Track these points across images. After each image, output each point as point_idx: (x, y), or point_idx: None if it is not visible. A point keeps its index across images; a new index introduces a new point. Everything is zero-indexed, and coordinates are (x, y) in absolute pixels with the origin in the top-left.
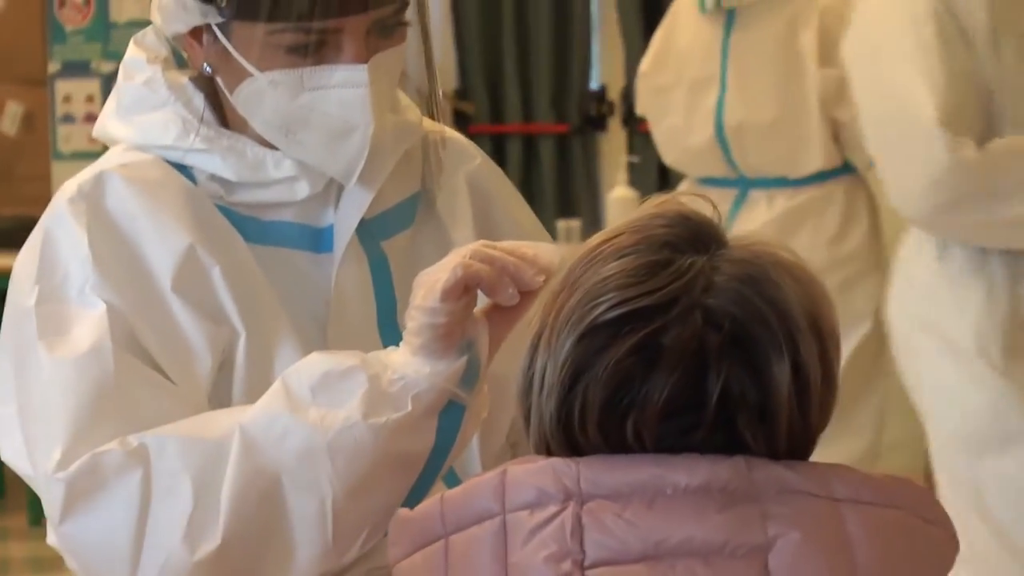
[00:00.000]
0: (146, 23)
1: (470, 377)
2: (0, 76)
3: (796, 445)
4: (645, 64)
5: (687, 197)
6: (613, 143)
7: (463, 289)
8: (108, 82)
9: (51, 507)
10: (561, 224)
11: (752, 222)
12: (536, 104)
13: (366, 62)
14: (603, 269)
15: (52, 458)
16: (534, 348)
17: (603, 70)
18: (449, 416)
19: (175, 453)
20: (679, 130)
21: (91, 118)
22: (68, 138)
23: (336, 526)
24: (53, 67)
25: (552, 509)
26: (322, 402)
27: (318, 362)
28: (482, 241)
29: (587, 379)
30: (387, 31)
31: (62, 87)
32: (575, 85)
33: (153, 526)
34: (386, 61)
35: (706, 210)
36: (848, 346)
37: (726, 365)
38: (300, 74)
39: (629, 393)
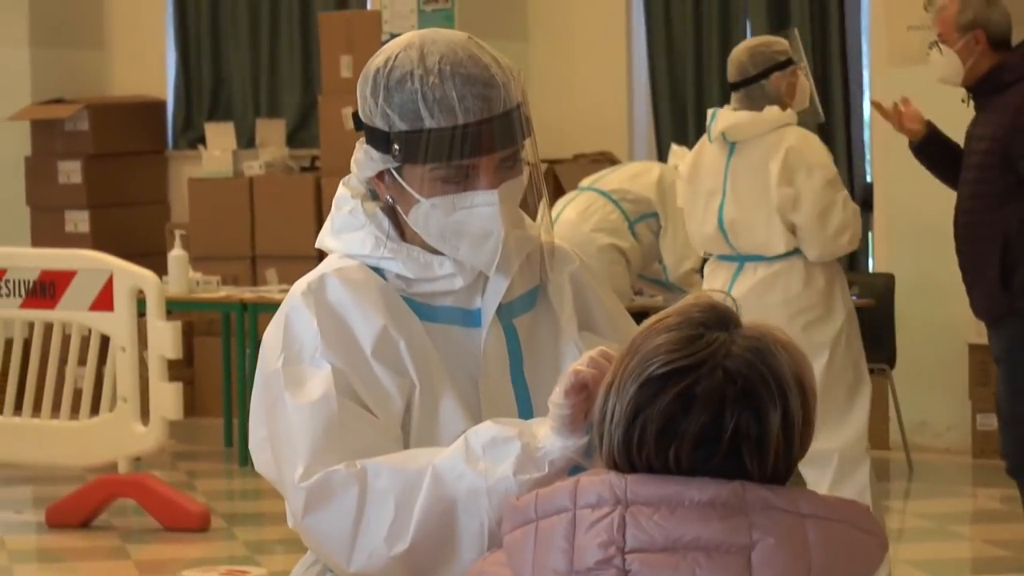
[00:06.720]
0: None
1: (591, 450)
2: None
3: (779, 470)
4: (683, 172)
5: (714, 293)
6: None
7: (578, 389)
8: None
9: (295, 506)
10: None
11: (745, 284)
12: None
13: (496, 188)
14: (656, 339)
15: (297, 472)
16: (607, 392)
17: None
18: (572, 475)
19: (386, 476)
20: (699, 223)
21: None
22: None
23: (489, 541)
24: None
25: (606, 509)
26: (488, 458)
27: (490, 428)
28: (600, 349)
29: (644, 416)
30: (509, 167)
31: None
32: None
33: (365, 527)
34: (510, 188)
35: (728, 303)
36: (816, 367)
37: (738, 409)
38: (452, 199)
39: (673, 427)
